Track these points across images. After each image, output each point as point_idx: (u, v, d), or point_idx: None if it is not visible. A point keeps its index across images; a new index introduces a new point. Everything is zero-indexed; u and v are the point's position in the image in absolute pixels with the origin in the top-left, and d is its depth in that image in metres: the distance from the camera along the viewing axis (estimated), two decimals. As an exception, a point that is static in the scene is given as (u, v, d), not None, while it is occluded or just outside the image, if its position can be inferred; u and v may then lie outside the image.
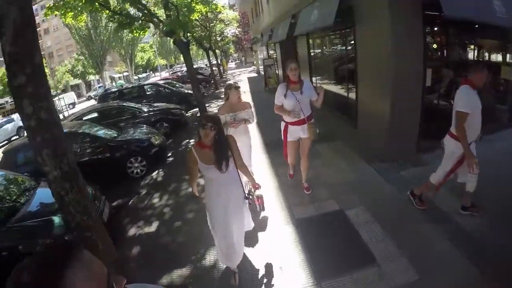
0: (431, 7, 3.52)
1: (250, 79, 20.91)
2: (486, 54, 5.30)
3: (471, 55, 5.43)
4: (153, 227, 4.21)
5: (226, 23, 24.40)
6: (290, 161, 4.21)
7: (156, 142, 6.63)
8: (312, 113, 3.67)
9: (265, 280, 2.78)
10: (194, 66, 32.97)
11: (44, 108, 1.96)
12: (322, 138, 6.05)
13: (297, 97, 3.47)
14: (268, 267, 2.95)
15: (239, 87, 3.82)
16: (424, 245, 2.83)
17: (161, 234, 3.99)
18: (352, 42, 4.93)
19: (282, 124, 3.81)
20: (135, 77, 38.46)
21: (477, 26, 3.75)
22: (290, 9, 8.59)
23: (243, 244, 2.82)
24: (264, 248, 3.25)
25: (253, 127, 5.78)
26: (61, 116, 21.00)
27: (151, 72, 49.57)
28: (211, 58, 22.62)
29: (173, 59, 52.10)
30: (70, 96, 27.35)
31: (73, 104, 26.56)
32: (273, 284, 2.75)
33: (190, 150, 2.49)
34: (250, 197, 3.02)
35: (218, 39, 24.23)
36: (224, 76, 26.74)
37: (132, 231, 4.22)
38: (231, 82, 3.81)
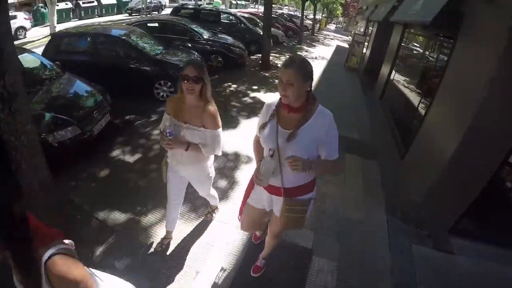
0: None
1: (338, 48, 18.97)
2: None
3: None
4: (133, 158, 4.06)
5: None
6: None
7: (193, 74, 6.24)
8: (310, 185, 1.77)
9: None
10: (291, 13, 31.12)
11: None
12: (359, 147, 5.00)
13: (279, 140, 1.60)
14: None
15: (194, 77, 1.79)
16: None
17: (133, 170, 3.82)
18: (447, 53, 3.62)
19: (254, 168, 1.83)
20: (234, 2, 37.60)
21: None
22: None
23: None
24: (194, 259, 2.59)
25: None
26: (137, 17, 19.75)
27: (250, 2, 47.96)
28: (310, 11, 20.62)
29: (279, -4, 49.25)
30: None
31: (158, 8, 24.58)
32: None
33: None
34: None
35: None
36: (315, 34, 24.61)
37: (115, 153, 4.16)
38: (195, 57, 1.81)
